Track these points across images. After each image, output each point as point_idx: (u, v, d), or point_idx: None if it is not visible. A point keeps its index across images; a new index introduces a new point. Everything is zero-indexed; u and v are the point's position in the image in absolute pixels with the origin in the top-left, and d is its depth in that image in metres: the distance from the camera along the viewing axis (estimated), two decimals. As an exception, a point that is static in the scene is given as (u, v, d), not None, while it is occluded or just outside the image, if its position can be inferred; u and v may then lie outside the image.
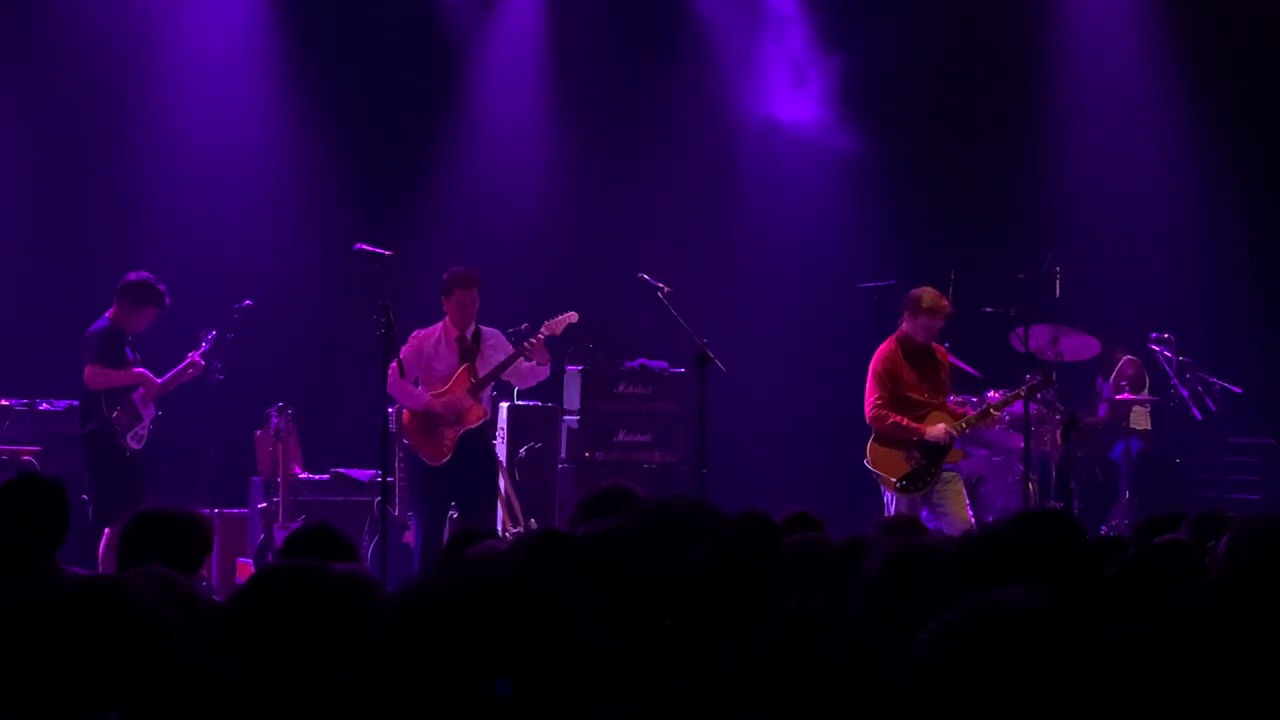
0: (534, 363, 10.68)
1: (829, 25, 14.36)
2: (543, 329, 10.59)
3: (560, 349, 11.86)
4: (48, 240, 12.66)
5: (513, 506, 11.75)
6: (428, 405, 10.55)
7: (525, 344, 10.58)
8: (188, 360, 10.73)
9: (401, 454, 11.55)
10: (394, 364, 10.21)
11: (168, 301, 10.61)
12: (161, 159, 13.00)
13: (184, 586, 3.85)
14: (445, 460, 10.55)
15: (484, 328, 10.81)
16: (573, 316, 10.73)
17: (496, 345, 10.78)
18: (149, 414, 10.66)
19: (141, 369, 10.64)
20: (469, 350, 10.70)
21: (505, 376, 10.85)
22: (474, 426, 10.64)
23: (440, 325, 10.74)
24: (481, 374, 10.66)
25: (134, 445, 10.61)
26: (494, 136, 14.12)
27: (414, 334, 10.69)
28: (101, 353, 10.48)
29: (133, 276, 10.62)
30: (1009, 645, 2.32)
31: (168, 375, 10.70)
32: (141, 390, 10.59)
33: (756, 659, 2.74)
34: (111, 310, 10.57)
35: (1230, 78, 13.78)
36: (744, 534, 4.76)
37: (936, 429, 10.37)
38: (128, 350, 10.62)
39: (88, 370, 10.46)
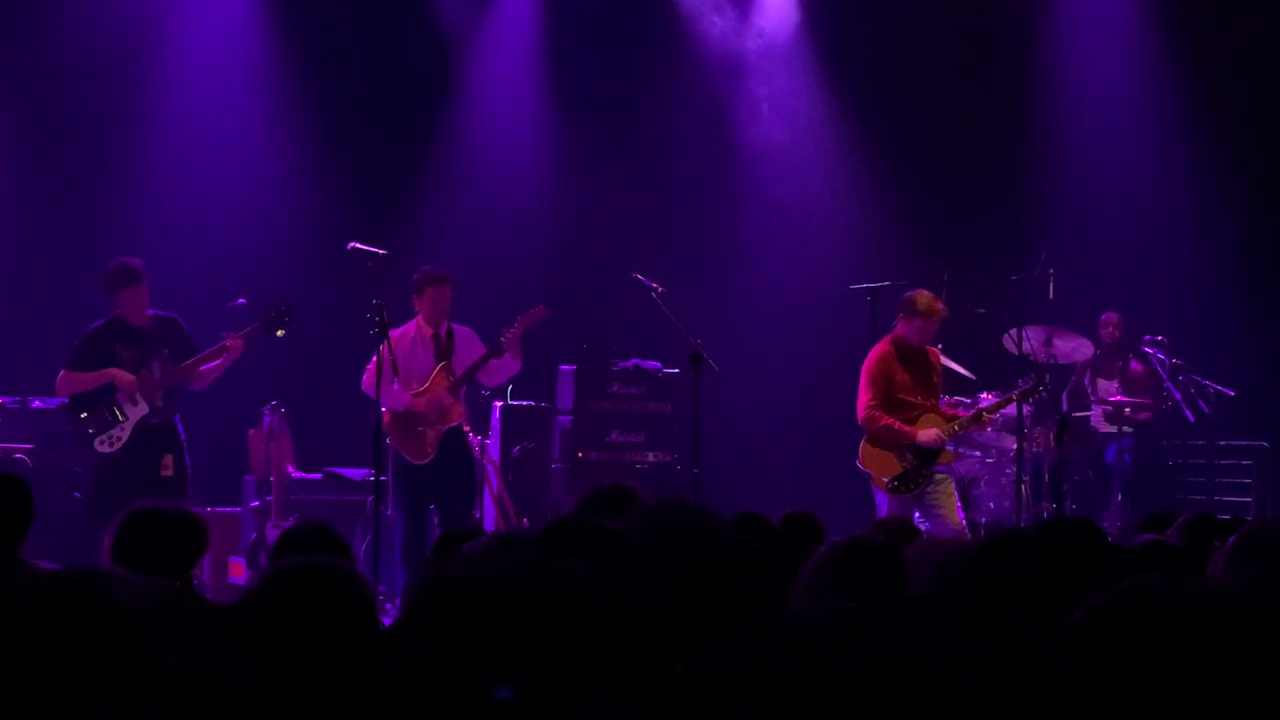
0: (506, 357, 10.70)
1: (822, 27, 14.37)
2: (516, 325, 10.62)
3: (553, 349, 11.86)
4: (41, 239, 12.65)
5: (505, 506, 11.76)
6: (410, 405, 10.58)
7: (501, 340, 10.61)
8: (218, 345, 10.31)
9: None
10: (370, 365, 10.22)
11: (144, 276, 10.24)
12: (155, 158, 12.98)
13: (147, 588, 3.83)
14: (428, 459, 10.60)
15: (455, 325, 10.83)
16: (543, 311, 10.76)
17: (469, 343, 10.81)
18: (136, 413, 10.21)
19: (113, 369, 10.18)
20: (444, 349, 10.74)
21: (477, 374, 10.89)
22: (455, 425, 10.70)
23: (413, 324, 10.75)
24: (459, 372, 10.70)
25: (102, 449, 10.20)
26: (488, 136, 14.12)
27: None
28: (73, 356, 10.20)
29: (109, 267, 10.34)
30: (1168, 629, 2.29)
31: (192, 360, 10.27)
32: (122, 391, 10.17)
33: (764, 660, 2.74)
34: (117, 308, 10.32)
35: (1224, 81, 13.79)
36: (742, 536, 4.76)
37: (929, 433, 10.37)
38: (119, 346, 10.22)
39: (59, 375, 10.23)
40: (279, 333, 10.39)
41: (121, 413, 10.23)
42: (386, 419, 10.63)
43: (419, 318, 10.74)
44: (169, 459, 10.28)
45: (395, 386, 10.54)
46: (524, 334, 10.67)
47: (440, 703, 2.39)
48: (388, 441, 10.80)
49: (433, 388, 10.64)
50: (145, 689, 2.81)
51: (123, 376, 10.19)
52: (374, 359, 10.45)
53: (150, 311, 10.36)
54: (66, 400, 10.38)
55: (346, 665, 2.94)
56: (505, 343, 10.60)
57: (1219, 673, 2.27)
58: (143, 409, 10.25)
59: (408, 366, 10.61)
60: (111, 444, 10.19)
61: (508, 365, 10.82)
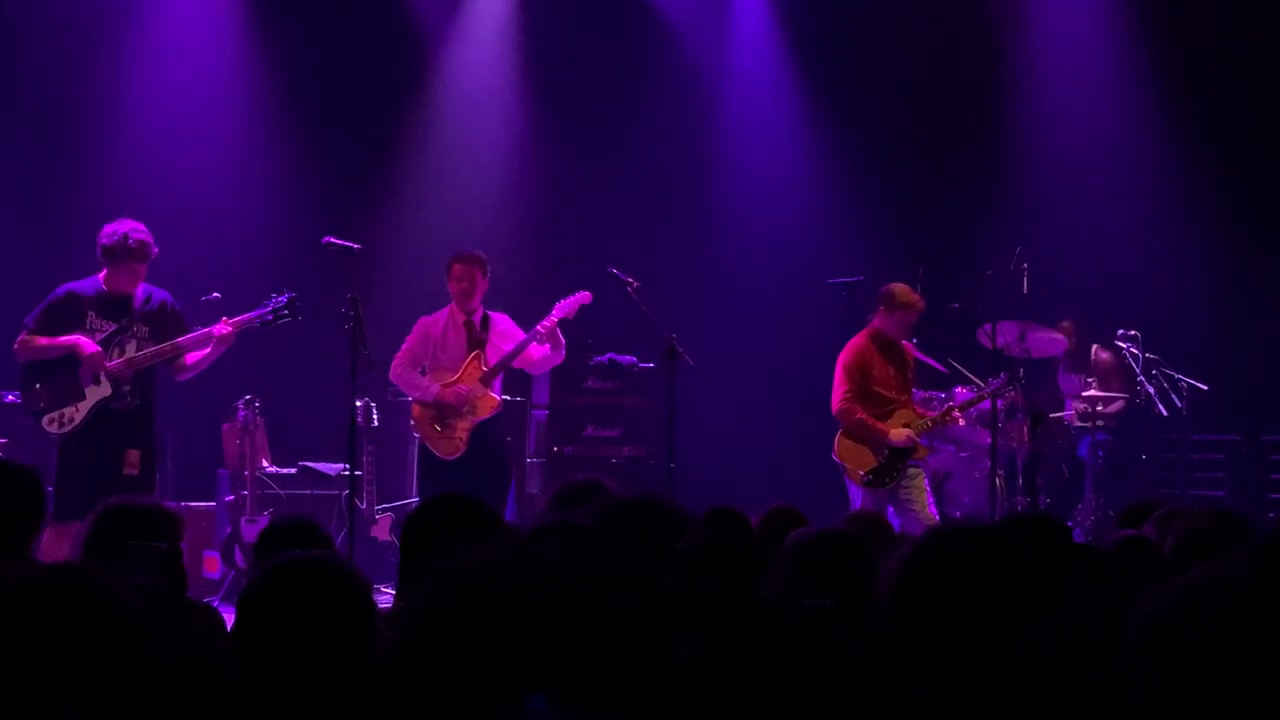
0: (547, 348, 10.30)
1: (797, 21, 14.38)
2: (555, 311, 10.24)
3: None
4: (9, 232, 12.58)
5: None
6: (438, 396, 10.18)
7: (537, 328, 10.22)
8: (208, 330, 9.30)
9: (371, 448, 11.51)
10: (399, 356, 10.12)
11: (151, 252, 9.22)
12: (128, 152, 12.93)
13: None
14: (459, 454, 10.20)
15: (492, 313, 10.46)
16: (585, 297, 10.34)
17: (506, 332, 10.42)
18: (97, 394, 9.09)
19: (78, 337, 9.08)
20: (477, 337, 10.33)
21: (517, 364, 10.47)
22: (487, 417, 10.28)
23: (445, 311, 10.42)
24: (493, 361, 10.26)
25: (51, 429, 9.09)
26: (463, 130, 14.10)
27: (420, 320, 10.45)
28: (39, 317, 9.13)
29: (106, 230, 9.25)
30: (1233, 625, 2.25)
31: (170, 344, 9.26)
32: (85, 363, 9.08)
33: (742, 650, 2.75)
34: (103, 273, 9.31)
35: (1197, 76, 13.83)
36: (715, 530, 4.77)
37: (900, 433, 10.43)
38: (93, 313, 9.16)
39: (18, 337, 9.13)
40: (294, 319, 9.60)
41: (81, 390, 9.12)
42: (415, 412, 10.37)
43: (452, 304, 10.39)
44: (135, 455, 9.14)
45: (425, 377, 10.27)
46: (564, 321, 10.26)
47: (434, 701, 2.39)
48: (415, 436, 10.48)
49: (464, 378, 10.25)
50: (140, 683, 2.81)
51: (87, 346, 9.08)
52: (403, 348, 10.28)
53: (141, 284, 9.36)
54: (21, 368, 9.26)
55: (346, 660, 2.95)
56: (542, 331, 10.20)
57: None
58: (105, 390, 9.13)
59: (438, 355, 10.29)
60: (62, 424, 9.08)
61: (551, 356, 10.39)
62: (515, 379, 11.75)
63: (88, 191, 12.76)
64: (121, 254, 9.15)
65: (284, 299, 9.61)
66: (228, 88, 13.38)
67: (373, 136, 13.78)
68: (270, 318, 9.55)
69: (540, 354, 10.37)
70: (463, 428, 10.22)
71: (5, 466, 5.27)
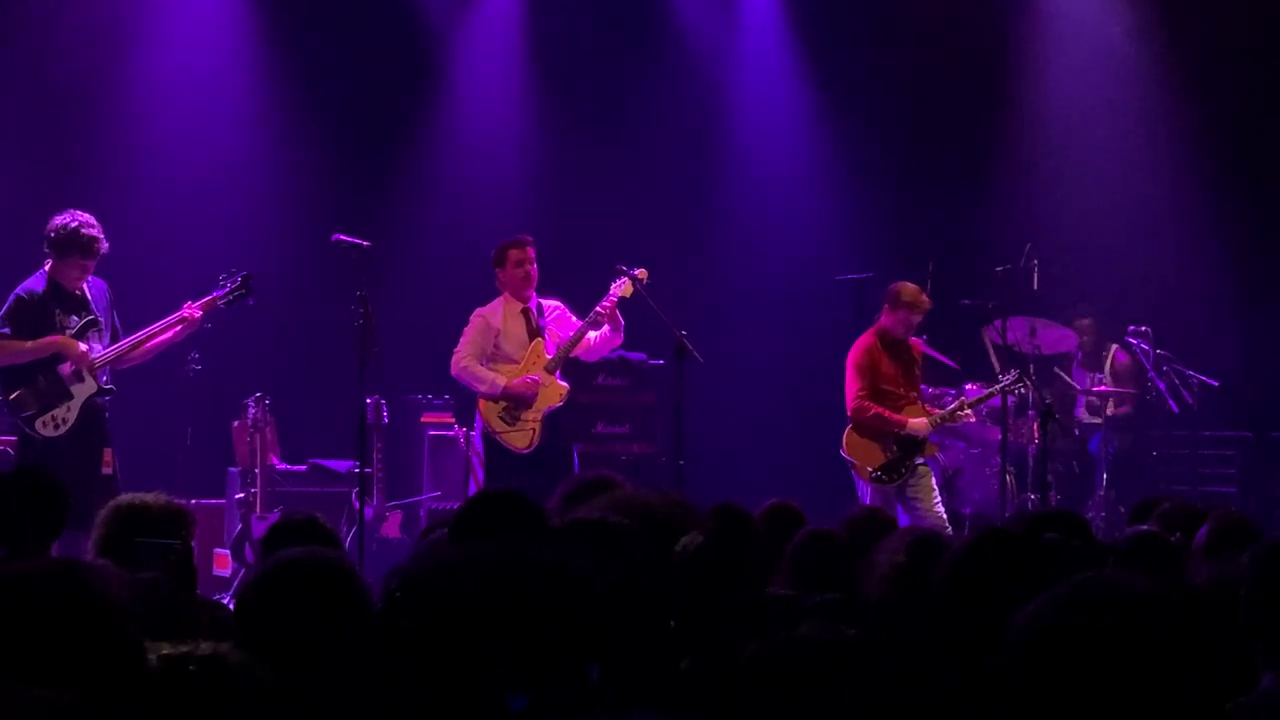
0: (606, 329, 10.11)
1: (806, 17, 14.37)
2: (613, 291, 10.02)
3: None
4: (17, 233, 12.58)
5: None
6: (508, 388, 10.00)
7: (597, 309, 10.02)
8: (179, 314, 9.32)
9: (380, 445, 11.51)
10: (459, 350, 9.94)
11: (100, 248, 9.06)
12: (138, 150, 12.93)
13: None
14: (534, 446, 10.02)
15: (543, 300, 10.30)
16: (640, 275, 10.09)
17: (561, 317, 10.26)
18: (84, 391, 9.01)
19: (59, 337, 8.98)
20: (535, 324, 10.14)
21: (574, 351, 10.27)
22: (558, 406, 10.12)
23: (499, 302, 10.21)
24: (554, 348, 10.06)
25: (44, 432, 8.97)
26: (472, 128, 14.09)
27: (476, 312, 10.22)
28: (7, 319, 8.97)
29: (56, 222, 9.10)
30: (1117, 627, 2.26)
31: (145, 331, 9.25)
32: (69, 364, 8.98)
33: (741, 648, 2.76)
34: (48, 264, 9.15)
35: (1208, 72, 13.80)
36: (718, 527, 4.78)
37: (918, 421, 10.46)
38: (58, 311, 9.03)
39: None
40: (250, 301, 9.62)
41: (67, 389, 9.02)
42: (482, 408, 10.15)
43: (505, 294, 10.17)
44: (109, 453, 9.10)
45: (490, 370, 10.02)
46: (622, 301, 10.05)
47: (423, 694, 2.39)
48: (487, 432, 10.16)
49: (529, 368, 10.08)
50: (133, 679, 2.81)
51: (72, 346, 8.99)
52: (462, 342, 10.05)
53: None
54: None
55: (343, 658, 2.95)
56: (603, 312, 10.03)
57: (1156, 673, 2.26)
58: (91, 386, 9.05)
59: (499, 345, 10.10)
60: (57, 426, 8.97)
61: (609, 338, 10.21)
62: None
63: (96, 188, 12.76)
64: (71, 247, 9.02)
65: (238, 278, 9.62)
66: (236, 84, 13.38)
67: (382, 134, 13.78)
68: (231, 297, 9.56)
69: (600, 337, 10.19)
70: (533, 419, 10.04)
71: (32, 474, 5.42)
